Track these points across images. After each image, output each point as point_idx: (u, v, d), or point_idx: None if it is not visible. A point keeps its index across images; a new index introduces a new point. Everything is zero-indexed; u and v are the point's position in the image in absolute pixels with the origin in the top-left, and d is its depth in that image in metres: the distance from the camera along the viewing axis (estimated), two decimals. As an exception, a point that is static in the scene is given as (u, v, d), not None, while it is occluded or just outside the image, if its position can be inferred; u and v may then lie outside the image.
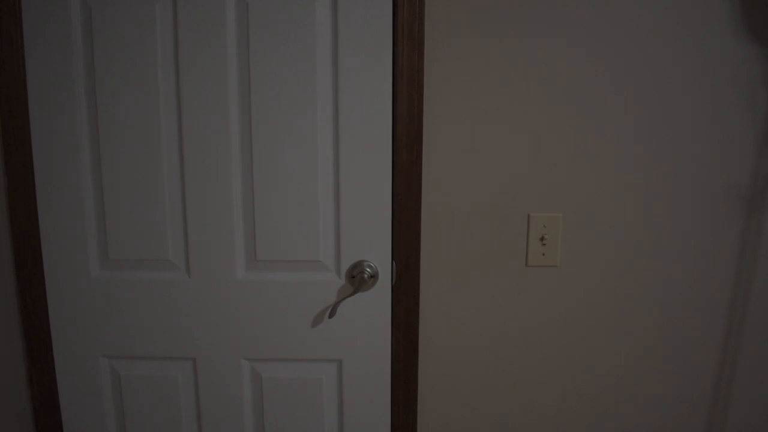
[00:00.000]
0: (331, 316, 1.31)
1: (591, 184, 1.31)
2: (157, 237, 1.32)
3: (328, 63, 1.26)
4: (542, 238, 1.32)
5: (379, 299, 1.36)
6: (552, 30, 1.26)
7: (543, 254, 1.33)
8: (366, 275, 1.32)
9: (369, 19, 1.24)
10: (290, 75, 1.25)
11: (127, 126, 1.27)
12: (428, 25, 1.28)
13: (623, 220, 1.33)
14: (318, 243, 1.33)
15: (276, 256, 1.34)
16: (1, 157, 1.28)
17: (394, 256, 1.35)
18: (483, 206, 1.34)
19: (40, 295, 1.34)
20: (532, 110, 1.29)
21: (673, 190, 1.31)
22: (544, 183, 1.32)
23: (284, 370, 1.40)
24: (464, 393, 1.43)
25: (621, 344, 1.39)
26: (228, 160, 1.29)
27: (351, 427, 1.42)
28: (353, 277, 1.34)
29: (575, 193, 1.31)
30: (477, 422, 1.45)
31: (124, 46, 1.24)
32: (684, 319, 1.37)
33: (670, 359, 1.39)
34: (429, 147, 1.33)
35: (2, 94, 1.24)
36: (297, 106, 1.27)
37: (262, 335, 1.37)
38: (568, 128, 1.30)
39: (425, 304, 1.39)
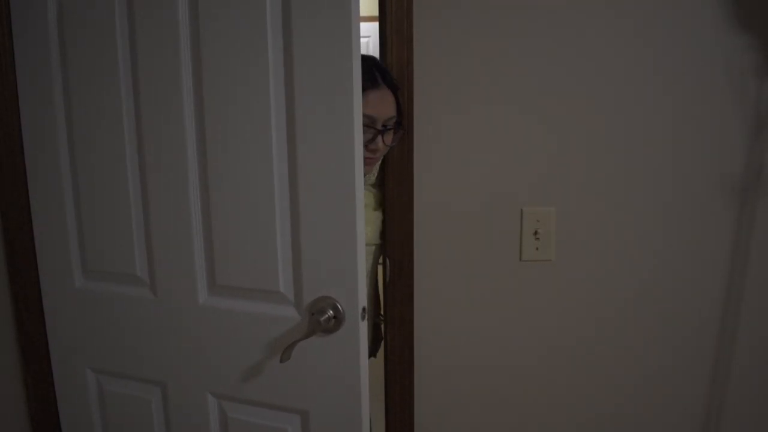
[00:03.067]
0: (282, 359, 1.08)
1: (583, 177, 1.29)
2: (125, 249, 1.24)
3: (280, 47, 1.03)
4: (536, 233, 1.29)
5: (347, 344, 1.10)
6: (544, 28, 1.24)
7: (537, 249, 1.30)
8: (325, 317, 1.07)
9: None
10: (241, 60, 1.06)
11: (95, 126, 1.21)
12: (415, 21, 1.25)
13: (617, 213, 1.30)
14: (277, 271, 1.12)
15: (234, 282, 1.16)
16: None
17: (387, 255, 1.33)
18: (475, 202, 1.31)
19: (35, 303, 1.35)
20: (524, 105, 1.26)
21: (666, 182, 1.29)
22: (537, 178, 1.30)
23: (249, 414, 1.21)
24: (456, 390, 1.41)
25: (617, 339, 1.36)
26: (185, 164, 1.14)
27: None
28: (313, 314, 1.10)
29: (568, 187, 1.30)
30: (471, 421, 1.43)
31: (91, 66, 1.18)
32: (680, 312, 1.35)
33: (667, 352, 1.37)
34: (419, 143, 1.28)
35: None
36: (247, 101, 1.08)
37: (226, 369, 1.21)
38: (560, 122, 1.27)
39: (417, 301, 1.36)
